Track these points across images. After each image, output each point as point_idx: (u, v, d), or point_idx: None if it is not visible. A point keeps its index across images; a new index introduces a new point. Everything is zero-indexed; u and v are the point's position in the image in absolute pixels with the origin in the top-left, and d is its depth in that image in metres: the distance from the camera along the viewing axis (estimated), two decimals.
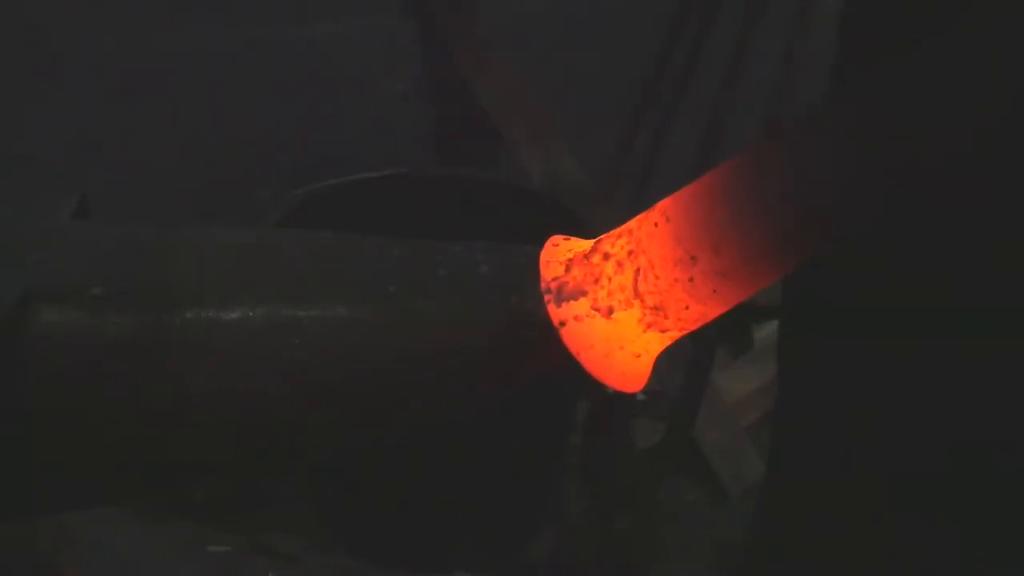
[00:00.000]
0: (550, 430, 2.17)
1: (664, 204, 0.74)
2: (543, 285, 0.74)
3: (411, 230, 0.81)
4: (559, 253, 0.76)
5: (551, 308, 0.74)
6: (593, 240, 0.77)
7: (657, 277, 0.72)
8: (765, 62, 1.99)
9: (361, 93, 2.41)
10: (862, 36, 1.09)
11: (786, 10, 2.01)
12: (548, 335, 0.74)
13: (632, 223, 0.75)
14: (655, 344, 0.75)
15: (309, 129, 2.37)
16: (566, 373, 0.76)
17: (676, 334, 0.75)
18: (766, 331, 2.55)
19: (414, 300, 0.76)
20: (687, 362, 2.12)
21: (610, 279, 0.74)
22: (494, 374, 0.78)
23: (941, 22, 0.70)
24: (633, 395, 2.12)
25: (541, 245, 0.77)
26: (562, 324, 0.74)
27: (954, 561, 1.11)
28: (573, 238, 0.78)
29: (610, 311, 0.74)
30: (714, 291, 0.72)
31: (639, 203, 0.78)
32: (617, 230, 0.75)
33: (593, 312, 0.74)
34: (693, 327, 0.75)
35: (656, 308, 0.73)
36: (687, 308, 0.73)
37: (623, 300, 0.74)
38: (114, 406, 0.74)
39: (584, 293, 0.74)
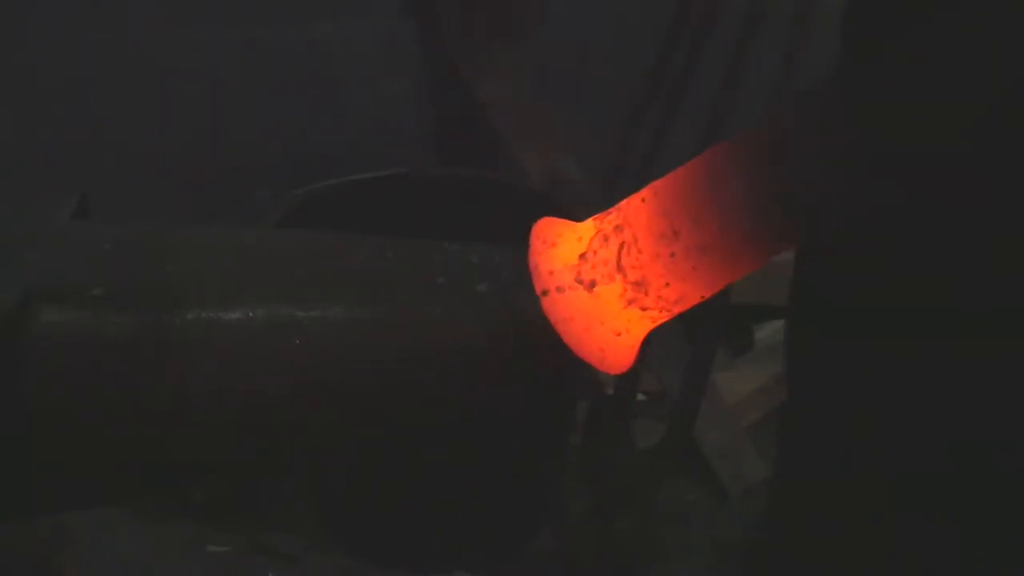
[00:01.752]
0: (550, 430, 2.17)
1: (654, 183, 0.74)
2: (530, 261, 0.74)
3: (411, 230, 0.81)
4: (548, 235, 0.76)
5: (535, 279, 0.74)
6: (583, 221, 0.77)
7: (640, 251, 0.73)
8: (765, 62, 1.99)
9: (361, 93, 2.41)
10: (862, 36, 1.09)
11: (786, 11, 2.01)
12: (547, 334, 0.74)
13: (623, 202, 0.75)
14: (636, 325, 0.75)
15: (309, 129, 2.37)
16: (566, 373, 0.76)
17: (656, 314, 0.75)
18: (766, 331, 2.55)
19: (414, 300, 0.76)
20: (687, 363, 2.11)
21: (595, 252, 0.74)
22: (494, 374, 0.78)
23: (941, 22, 0.70)
24: (633, 395, 2.12)
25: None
26: (544, 293, 0.74)
27: (954, 561, 1.11)
28: (564, 221, 0.77)
29: (592, 284, 0.74)
30: (694, 268, 0.72)
31: None
32: (609, 209, 0.76)
33: (576, 284, 0.74)
34: (673, 309, 0.74)
35: (637, 284, 0.73)
36: (667, 285, 0.73)
37: (606, 274, 0.74)
38: (114, 406, 0.74)
39: (570, 266, 0.74)
